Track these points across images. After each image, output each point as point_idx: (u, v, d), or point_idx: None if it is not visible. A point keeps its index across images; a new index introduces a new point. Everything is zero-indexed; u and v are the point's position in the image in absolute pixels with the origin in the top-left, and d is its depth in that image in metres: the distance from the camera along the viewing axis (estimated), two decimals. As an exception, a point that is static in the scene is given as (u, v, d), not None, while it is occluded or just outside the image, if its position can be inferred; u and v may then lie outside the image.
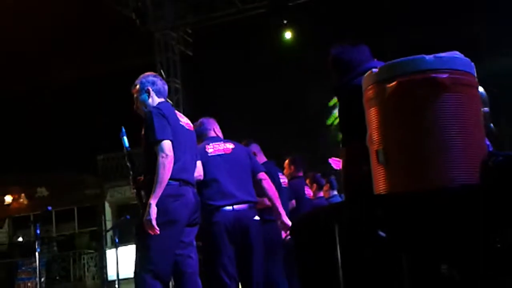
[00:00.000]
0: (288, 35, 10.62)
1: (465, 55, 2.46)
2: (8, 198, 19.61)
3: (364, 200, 2.50)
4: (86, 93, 15.44)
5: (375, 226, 2.34)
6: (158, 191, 3.70)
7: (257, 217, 4.74)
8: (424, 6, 10.03)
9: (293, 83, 10.75)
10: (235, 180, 4.72)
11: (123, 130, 4.04)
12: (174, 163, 3.81)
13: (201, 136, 4.84)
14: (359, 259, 2.32)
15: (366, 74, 2.49)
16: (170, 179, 3.79)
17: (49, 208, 7.36)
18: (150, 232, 3.70)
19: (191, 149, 4.10)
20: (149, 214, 3.67)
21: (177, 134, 3.92)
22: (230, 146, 4.88)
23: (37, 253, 5.87)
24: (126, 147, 4.04)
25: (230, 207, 4.56)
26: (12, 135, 16.99)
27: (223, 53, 11.12)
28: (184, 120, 4.14)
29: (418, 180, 2.31)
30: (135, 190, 3.96)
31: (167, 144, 3.77)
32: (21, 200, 19.66)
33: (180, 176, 3.87)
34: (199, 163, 4.25)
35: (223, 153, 4.78)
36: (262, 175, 4.95)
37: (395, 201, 2.33)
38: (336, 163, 3.16)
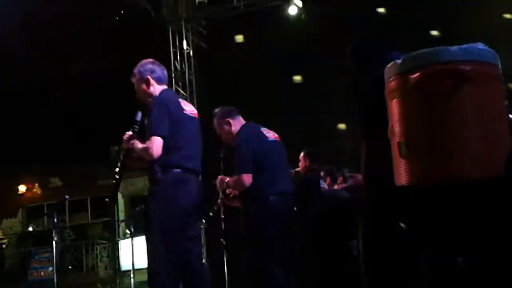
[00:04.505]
0: (305, 26, 10.56)
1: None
2: (22, 188, 19.75)
3: (386, 192, 2.48)
4: (100, 84, 15.46)
5: (396, 218, 2.33)
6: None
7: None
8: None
9: (311, 75, 10.67)
10: (285, 168, 4.61)
11: (140, 113, 3.91)
12: (178, 151, 3.73)
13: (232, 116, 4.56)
14: (381, 251, 2.31)
15: (389, 65, 2.46)
16: (174, 167, 3.71)
17: (66, 197, 7.25)
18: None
19: (196, 138, 3.98)
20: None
21: (180, 123, 3.80)
22: (275, 133, 4.67)
23: (54, 242, 5.79)
24: (137, 120, 3.89)
25: (280, 196, 4.37)
26: (26, 125, 17.07)
27: (237, 46, 11.07)
28: (188, 108, 4.00)
29: (440, 172, 2.28)
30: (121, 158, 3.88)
31: (157, 141, 3.65)
32: (35, 190, 19.79)
33: (184, 165, 3.76)
34: None
35: (275, 139, 4.60)
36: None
37: (417, 193, 2.31)
38: None
